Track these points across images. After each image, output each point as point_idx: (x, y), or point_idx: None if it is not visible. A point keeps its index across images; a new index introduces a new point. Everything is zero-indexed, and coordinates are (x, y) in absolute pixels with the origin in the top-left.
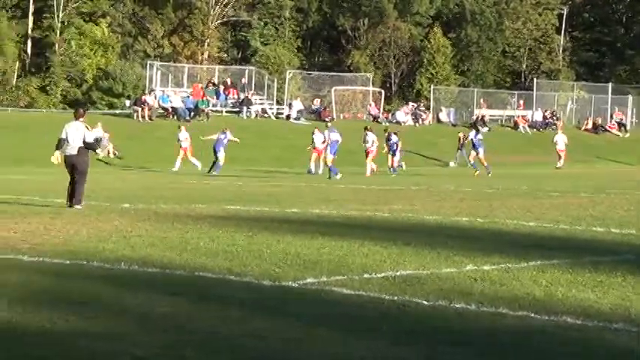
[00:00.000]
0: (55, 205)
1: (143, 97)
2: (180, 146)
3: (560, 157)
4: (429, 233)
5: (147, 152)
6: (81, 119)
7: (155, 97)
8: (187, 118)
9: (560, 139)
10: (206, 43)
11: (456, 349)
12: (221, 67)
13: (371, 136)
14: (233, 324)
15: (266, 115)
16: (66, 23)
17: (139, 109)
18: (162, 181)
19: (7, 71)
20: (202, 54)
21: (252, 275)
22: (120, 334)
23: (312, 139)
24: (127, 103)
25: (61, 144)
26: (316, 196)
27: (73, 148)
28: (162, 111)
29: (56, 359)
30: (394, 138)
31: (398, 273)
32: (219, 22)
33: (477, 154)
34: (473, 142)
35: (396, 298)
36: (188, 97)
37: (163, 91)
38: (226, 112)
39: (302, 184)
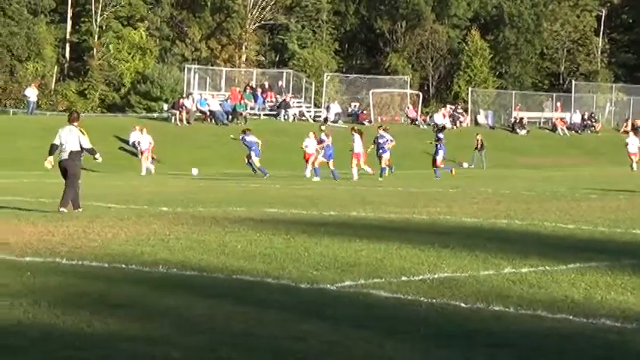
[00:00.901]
0: (93, 208)
1: (181, 101)
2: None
3: (632, 160)
4: (466, 236)
5: (185, 156)
6: (75, 123)
7: (193, 101)
8: (225, 121)
9: (633, 142)
10: (244, 47)
11: (493, 351)
12: (259, 70)
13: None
14: (271, 326)
15: (304, 118)
16: (104, 27)
17: (177, 112)
18: (200, 184)
19: (45, 75)
20: (240, 57)
21: (289, 278)
22: (158, 337)
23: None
24: (165, 106)
25: (53, 149)
26: (353, 199)
27: (66, 153)
28: (200, 114)
29: None
30: (387, 136)
31: (436, 276)
32: (256, 25)
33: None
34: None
35: (434, 300)
36: (226, 100)
37: (201, 94)
38: (264, 115)
39: (341, 187)
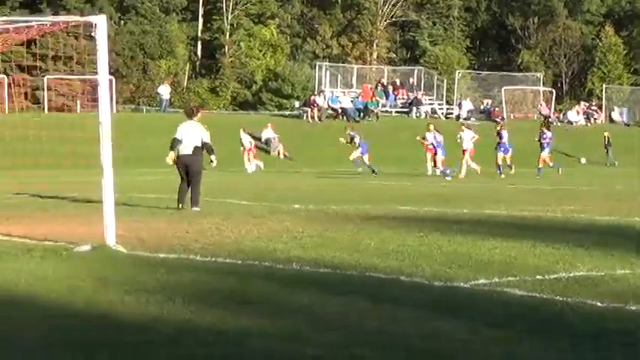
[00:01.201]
0: (226, 205)
1: (313, 98)
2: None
3: None
4: (602, 234)
5: (316, 153)
6: (195, 119)
7: (325, 98)
8: (357, 118)
9: None
10: (375, 44)
11: (630, 351)
12: (390, 67)
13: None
14: (404, 324)
15: (435, 115)
16: (235, 25)
17: (309, 110)
18: (332, 182)
19: (178, 73)
20: (371, 54)
21: (422, 276)
22: (291, 334)
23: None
24: (297, 104)
25: (174, 144)
26: (486, 197)
27: (187, 148)
28: (331, 112)
29: (235, 359)
30: (438, 136)
31: (571, 274)
32: (387, 22)
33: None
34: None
35: (569, 299)
36: (357, 97)
37: (332, 92)
38: (395, 112)
39: (475, 184)
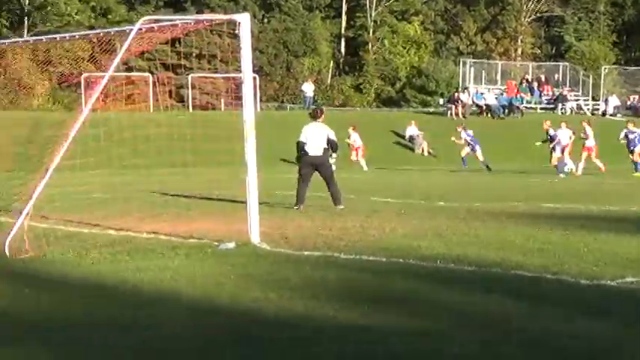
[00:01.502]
0: (371, 202)
1: (457, 95)
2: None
3: None
4: None
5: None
6: (319, 120)
7: (469, 95)
8: (502, 115)
9: None
10: (519, 40)
11: None
12: (535, 63)
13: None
14: (550, 323)
15: (581, 111)
16: (378, 22)
17: (453, 106)
18: (474, 180)
19: (321, 70)
20: (516, 50)
21: (568, 274)
22: (435, 332)
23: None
24: (441, 101)
25: (300, 146)
26: (633, 194)
27: (317, 149)
28: (475, 108)
29: (378, 356)
30: (637, 131)
31: None
32: (532, 17)
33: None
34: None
35: None
36: (502, 94)
37: (477, 88)
38: (540, 108)
39: (619, 180)
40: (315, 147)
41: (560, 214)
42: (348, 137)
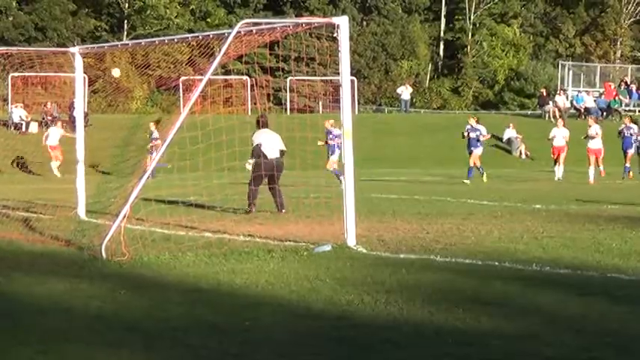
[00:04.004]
0: (468, 205)
1: (544, 96)
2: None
3: None
4: None
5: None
6: (265, 127)
7: (567, 98)
8: (600, 117)
9: None
10: (619, 42)
11: None
12: (634, 66)
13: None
14: None
15: None
16: (477, 25)
17: (550, 109)
18: (571, 182)
19: (420, 73)
20: (615, 53)
21: None
22: (530, 335)
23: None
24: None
25: (256, 151)
26: None
27: (275, 152)
28: (574, 111)
29: (474, 358)
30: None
31: None
32: (631, 20)
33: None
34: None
35: None
36: (600, 96)
37: (579, 91)
38: (639, 111)
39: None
40: (273, 150)
41: None
42: None
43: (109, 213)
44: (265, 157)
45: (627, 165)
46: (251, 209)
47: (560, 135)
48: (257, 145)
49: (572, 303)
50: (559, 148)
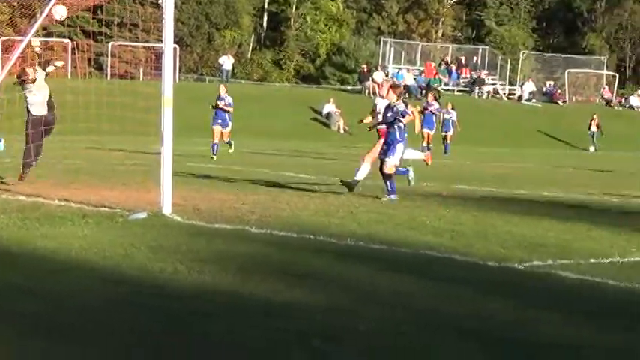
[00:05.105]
0: (285, 177)
1: (365, 70)
2: None
3: None
4: None
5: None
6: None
7: (386, 74)
8: (419, 95)
9: None
10: (440, 22)
11: None
12: (455, 45)
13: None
14: (456, 303)
15: (497, 95)
16: None
17: (370, 85)
18: None
19: (242, 44)
20: (436, 32)
21: (477, 255)
22: (343, 309)
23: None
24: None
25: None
26: (543, 178)
27: (44, 108)
28: None
29: (283, 331)
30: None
31: (625, 259)
32: (454, 0)
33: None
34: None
35: (621, 284)
36: (420, 74)
37: (400, 69)
38: (458, 91)
39: (529, 165)
40: (42, 106)
41: (473, 196)
42: None
43: None
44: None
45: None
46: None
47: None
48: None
49: (384, 278)
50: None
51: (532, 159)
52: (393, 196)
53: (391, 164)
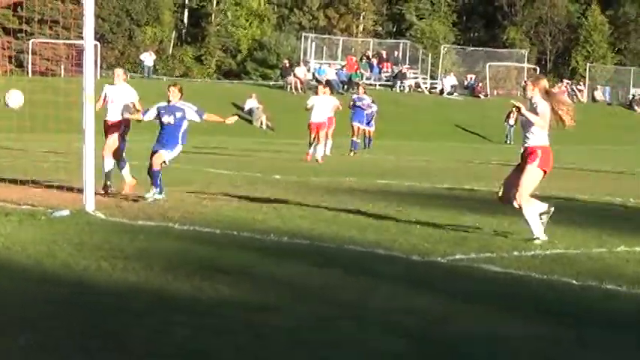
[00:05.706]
0: (204, 174)
1: (286, 66)
2: None
3: None
4: (580, 213)
5: (298, 124)
6: None
7: (309, 70)
8: (340, 90)
9: None
10: (361, 16)
11: (604, 329)
12: (376, 40)
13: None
14: (381, 298)
15: (419, 89)
16: None
17: (292, 80)
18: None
19: (163, 40)
20: (357, 27)
21: (400, 250)
22: (270, 305)
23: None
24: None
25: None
26: (467, 172)
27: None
28: (314, 83)
29: (209, 328)
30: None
31: (548, 252)
32: None
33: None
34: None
35: (544, 277)
36: (342, 69)
37: (321, 64)
38: (380, 85)
39: (452, 159)
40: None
41: (396, 190)
42: None
43: None
44: None
45: (355, 139)
46: None
47: (322, 106)
48: None
49: (310, 274)
50: (317, 124)
51: (454, 153)
52: (156, 191)
53: (165, 157)
